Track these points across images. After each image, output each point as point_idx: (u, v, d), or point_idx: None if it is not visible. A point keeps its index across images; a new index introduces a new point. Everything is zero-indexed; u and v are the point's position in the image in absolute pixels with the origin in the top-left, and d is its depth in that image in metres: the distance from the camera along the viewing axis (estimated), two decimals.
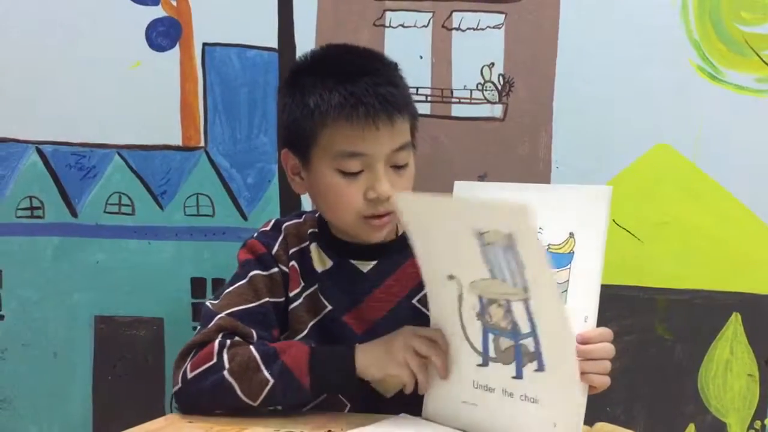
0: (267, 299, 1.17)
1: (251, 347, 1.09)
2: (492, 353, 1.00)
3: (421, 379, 1.05)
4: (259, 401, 1.07)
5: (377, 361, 1.07)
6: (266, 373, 1.06)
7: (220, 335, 1.11)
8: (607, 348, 0.98)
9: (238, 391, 1.07)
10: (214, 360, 1.08)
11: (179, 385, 1.10)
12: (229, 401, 1.07)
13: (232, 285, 1.18)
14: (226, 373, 1.07)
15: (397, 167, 1.14)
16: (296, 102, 1.14)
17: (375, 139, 1.10)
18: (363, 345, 1.10)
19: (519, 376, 0.98)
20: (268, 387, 1.06)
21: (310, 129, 1.12)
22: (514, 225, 0.88)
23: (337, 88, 1.10)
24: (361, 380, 1.08)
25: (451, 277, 1.01)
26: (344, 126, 1.10)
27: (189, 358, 1.10)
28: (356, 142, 1.10)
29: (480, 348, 1.01)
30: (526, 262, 0.90)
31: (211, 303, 1.16)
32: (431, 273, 1.05)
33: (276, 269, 1.19)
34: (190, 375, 1.08)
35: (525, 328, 0.95)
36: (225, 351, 1.08)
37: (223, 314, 1.13)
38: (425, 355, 1.05)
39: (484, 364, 1.01)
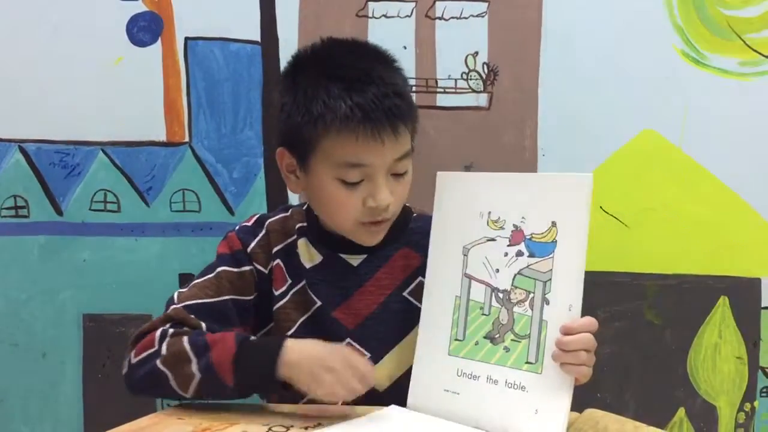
0: (230, 296, 1.16)
1: (185, 337, 1.07)
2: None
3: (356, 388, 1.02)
4: (189, 394, 1.06)
5: (307, 379, 1.02)
6: (194, 368, 1.05)
7: (167, 324, 1.11)
8: (585, 339, 0.96)
9: (171, 382, 1.06)
10: (155, 347, 1.07)
11: (125, 369, 1.10)
12: (166, 390, 1.07)
13: (201, 276, 1.18)
14: (158, 361, 1.06)
15: (397, 175, 1.12)
16: (298, 105, 1.11)
17: (378, 151, 1.08)
18: (298, 346, 1.05)
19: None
20: (195, 382, 1.05)
21: (311, 136, 1.10)
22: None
23: (342, 97, 1.07)
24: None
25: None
26: (348, 138, 1.07)
27: (137, 345, 1.10)
28: (359, 155, 1.08)
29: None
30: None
31: (178, 292, 1.16)
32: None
33: (248, 267, 1.18)
34: (133, 360, 1.09)
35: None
36: (166, 339, 1.08)
37: (179, 306, 1.13)
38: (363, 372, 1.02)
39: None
